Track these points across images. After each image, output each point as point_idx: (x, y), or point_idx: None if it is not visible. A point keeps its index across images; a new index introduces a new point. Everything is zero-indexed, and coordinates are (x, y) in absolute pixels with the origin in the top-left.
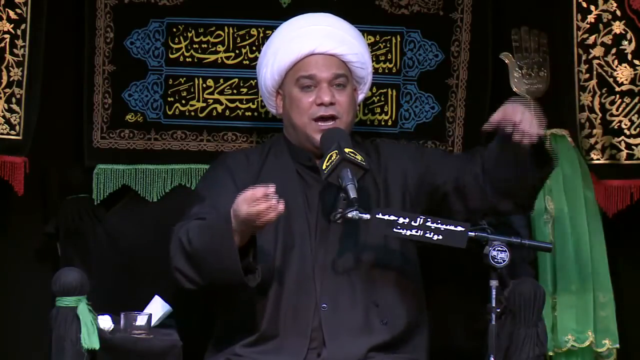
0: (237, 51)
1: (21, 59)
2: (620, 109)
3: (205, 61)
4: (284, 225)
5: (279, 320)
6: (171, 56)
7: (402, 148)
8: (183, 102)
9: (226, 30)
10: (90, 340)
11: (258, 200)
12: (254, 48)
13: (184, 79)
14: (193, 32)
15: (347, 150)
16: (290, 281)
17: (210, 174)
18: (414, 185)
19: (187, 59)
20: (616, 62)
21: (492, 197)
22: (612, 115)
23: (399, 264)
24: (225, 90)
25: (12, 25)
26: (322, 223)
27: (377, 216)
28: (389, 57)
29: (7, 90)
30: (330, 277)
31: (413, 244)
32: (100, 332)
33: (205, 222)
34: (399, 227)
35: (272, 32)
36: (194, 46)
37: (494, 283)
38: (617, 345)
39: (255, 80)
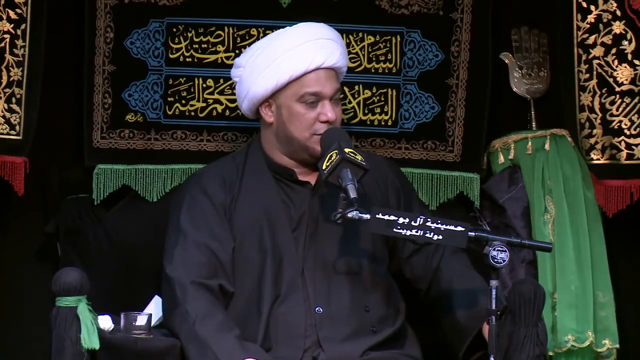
0: (237, 51)
1: (21, 59)
2: (621, 109)
3: (205, 61)
4: (271, 242)
5: (273, 333)
6: (171, 56)
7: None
8: (183, 102)
9: (226, 30)
10: (90, 340)
11: None
12: None
13: (184, 79)
14: (193, 32)
15: (347, 150)
16: (281, 294)
17: (188, 199)
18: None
19: (187, 59)
20: (616, 62)
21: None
22: (612, 115)
23: (376, 264)
24: (225, 90)
25: (12, 25)
26: (309, 229)
27: (377, 216)
28: (389, 57)
29: (7, 90)
30: (321, 281)
31: (383, 244)
32: (100, 332)
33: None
34: (399, 227)
35: (272, 32)
36: (194, 46)
37: (494, 283)
38: (617, 345)
39: None
